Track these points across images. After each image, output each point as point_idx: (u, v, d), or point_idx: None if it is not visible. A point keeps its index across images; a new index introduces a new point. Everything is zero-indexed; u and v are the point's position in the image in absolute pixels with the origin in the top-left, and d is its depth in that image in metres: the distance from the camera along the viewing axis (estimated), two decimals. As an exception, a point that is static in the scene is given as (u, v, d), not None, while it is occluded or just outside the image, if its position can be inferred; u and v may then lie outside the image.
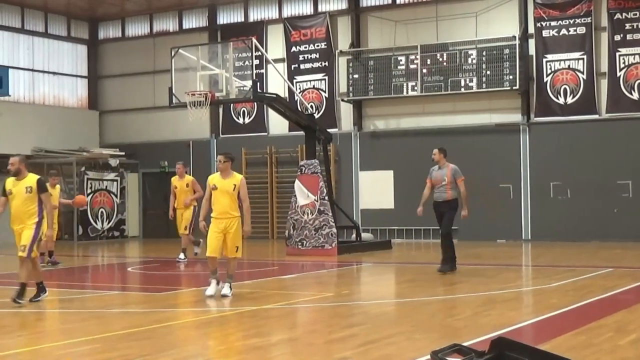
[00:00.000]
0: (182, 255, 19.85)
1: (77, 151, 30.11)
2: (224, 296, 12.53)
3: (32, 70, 30.72)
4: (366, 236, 24.53)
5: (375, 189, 27.04)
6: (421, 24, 26.67)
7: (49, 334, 10.07)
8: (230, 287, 12.76)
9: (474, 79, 25.48)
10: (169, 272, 18.08)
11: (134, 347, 8.91)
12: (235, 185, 12.72)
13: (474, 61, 25.51)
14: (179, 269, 18.48)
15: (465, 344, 7.33)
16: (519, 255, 22.22)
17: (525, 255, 22.10)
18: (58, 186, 20.02)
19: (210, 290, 12.66)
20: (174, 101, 21.83)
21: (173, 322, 10.50)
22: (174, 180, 20.13)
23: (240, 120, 29.49)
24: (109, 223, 29.99)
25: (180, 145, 30.04)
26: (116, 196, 30.19)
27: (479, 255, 20.94)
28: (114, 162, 30.26)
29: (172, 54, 22.12)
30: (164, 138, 30.75)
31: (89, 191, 29.36)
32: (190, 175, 21.54)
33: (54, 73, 31.51)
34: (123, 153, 30.53)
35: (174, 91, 21.77)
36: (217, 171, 13.12)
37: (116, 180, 30.28)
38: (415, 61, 26.15)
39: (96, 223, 29.53)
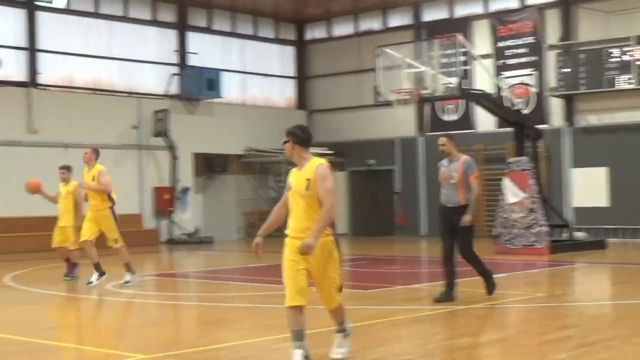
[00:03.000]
0: (127, 276, 15.09)
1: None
2: None
3: (243, 72, 31.71)
4: (579, 235, 23.74)
5: (588, 187, 26.09)
6: (636, 14, 25.48)
7: (263, 328, 10.28)
8: (347, 336, 8.27)
9: (695, 70, 24.11)
10: (378, 270, 18.14)
11: (343, 344, 8.94)
12: (308, 180, 7.78)
13: (695, 51, 24.14)
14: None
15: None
16: None
17: None
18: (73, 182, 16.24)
19: None
20: (379, 99, 21.94)
21: (381, 320, 10.48)
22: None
23: (447, 118, 29.23)
24: (317, 221, 30.41)
25: (386, 144, 30.16)
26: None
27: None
28: (321, 161, 30.69)
29: (378, 53, 22.23)
30: (371, 136, 30.93)
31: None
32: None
33: (264, 74, 32.40)
34: (332, 151, 30.94)
35: (379, 89, 21.88)
36: None
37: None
38: (629, 53, 25.04)
39: (305, 221, 30.01)
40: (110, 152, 26.89)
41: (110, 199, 15.08)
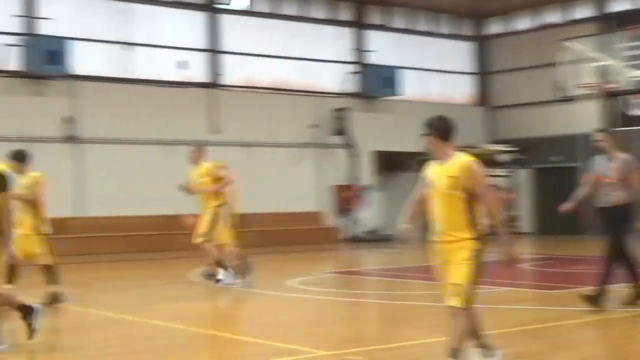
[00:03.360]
0: (221, 274, 14.44)
1: (467, 147, 30.33)
2: None
3: (421, 69, 31.46)
4: None
5: None
6: None
7: (443, 327, 10.06)
8: None
9: None
10: (564, 270, 17.59)
11: (528, 345, 8.69)
12: (453, 177, 6.88)
13: None
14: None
15: None
16: None
17: None
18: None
19: None
20: (561, 94, 21.31)
21: (568, 321, 10.07)
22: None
23: (635, 113, 28.00)
24: (501, 219, 29.85)
25: (569, 140, 29.22)
26: (508, 192, 29.94)
27: None
28: (502, 158, 30.08)
29: (560, 47, 21.57)
30: (554, 132, 30.04)
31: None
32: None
33: (442, 71, 32.06)
34: (515, 149, 30.24)
35: (562, 84, 21.25)
36: None
37: (506, 176, 30.09)
38: None
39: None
40: (289, 151, 27.44)
41: (219, 196, 14.40)
